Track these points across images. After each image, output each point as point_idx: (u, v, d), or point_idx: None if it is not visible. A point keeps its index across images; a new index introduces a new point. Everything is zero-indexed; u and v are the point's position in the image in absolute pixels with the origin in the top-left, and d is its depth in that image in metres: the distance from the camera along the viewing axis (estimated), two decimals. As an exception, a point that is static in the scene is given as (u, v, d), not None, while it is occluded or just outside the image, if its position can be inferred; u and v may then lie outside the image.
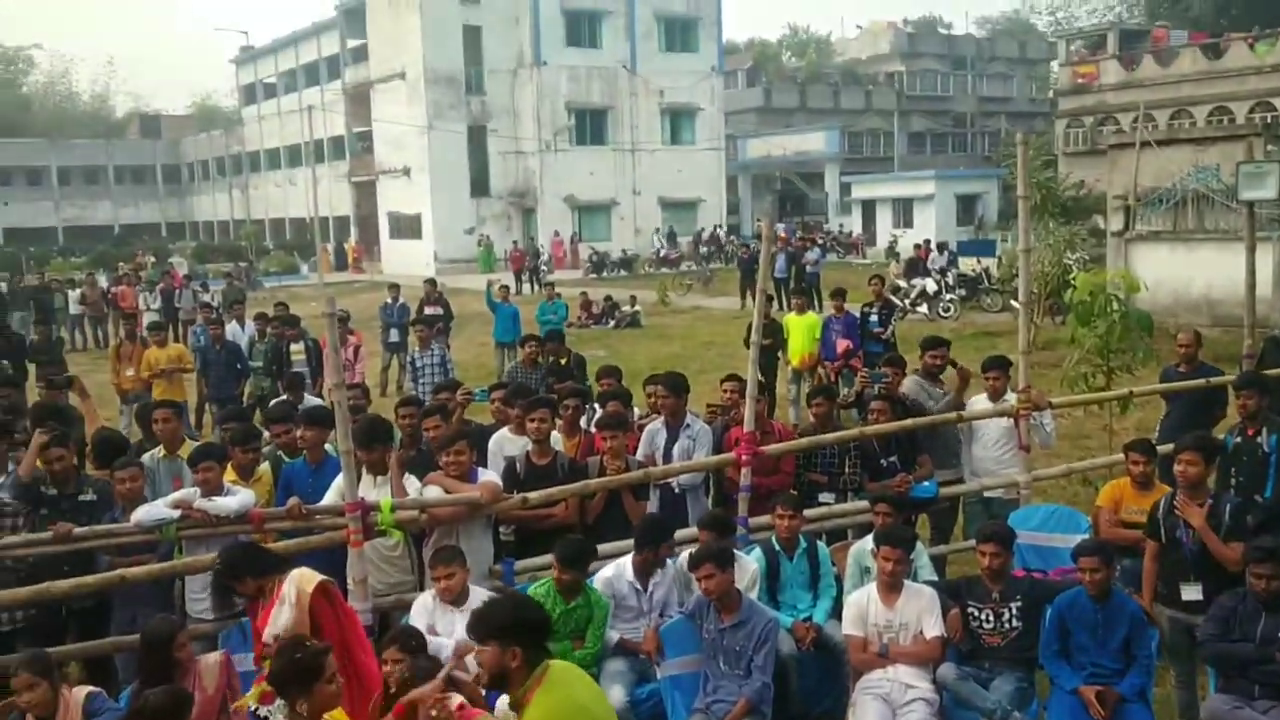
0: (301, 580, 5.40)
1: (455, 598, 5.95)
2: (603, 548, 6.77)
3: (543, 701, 3.74)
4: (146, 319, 18.14)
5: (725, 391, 8.64)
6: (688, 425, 7.86)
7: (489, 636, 3.85)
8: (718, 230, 47.80)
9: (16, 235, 63.40)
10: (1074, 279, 15.59)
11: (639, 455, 7.70)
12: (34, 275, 33.40)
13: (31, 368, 14.81)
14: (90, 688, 5.18)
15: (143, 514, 6.34)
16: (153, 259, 43.28)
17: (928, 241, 33.11)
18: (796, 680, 6.41)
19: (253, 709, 3.64)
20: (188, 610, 6.56)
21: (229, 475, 6.91)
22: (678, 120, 49.66)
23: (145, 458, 7.32)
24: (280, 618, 5.35)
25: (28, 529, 6.48)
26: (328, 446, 7.27)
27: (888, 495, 7.00)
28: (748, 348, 13.39)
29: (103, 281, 28.48)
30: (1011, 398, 8.10)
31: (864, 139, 60.35)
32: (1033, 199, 15.27)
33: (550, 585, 6.17)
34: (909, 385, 8.61)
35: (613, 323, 25.51)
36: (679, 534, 7.26)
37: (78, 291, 26.10)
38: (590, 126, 47.75)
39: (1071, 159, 43.49)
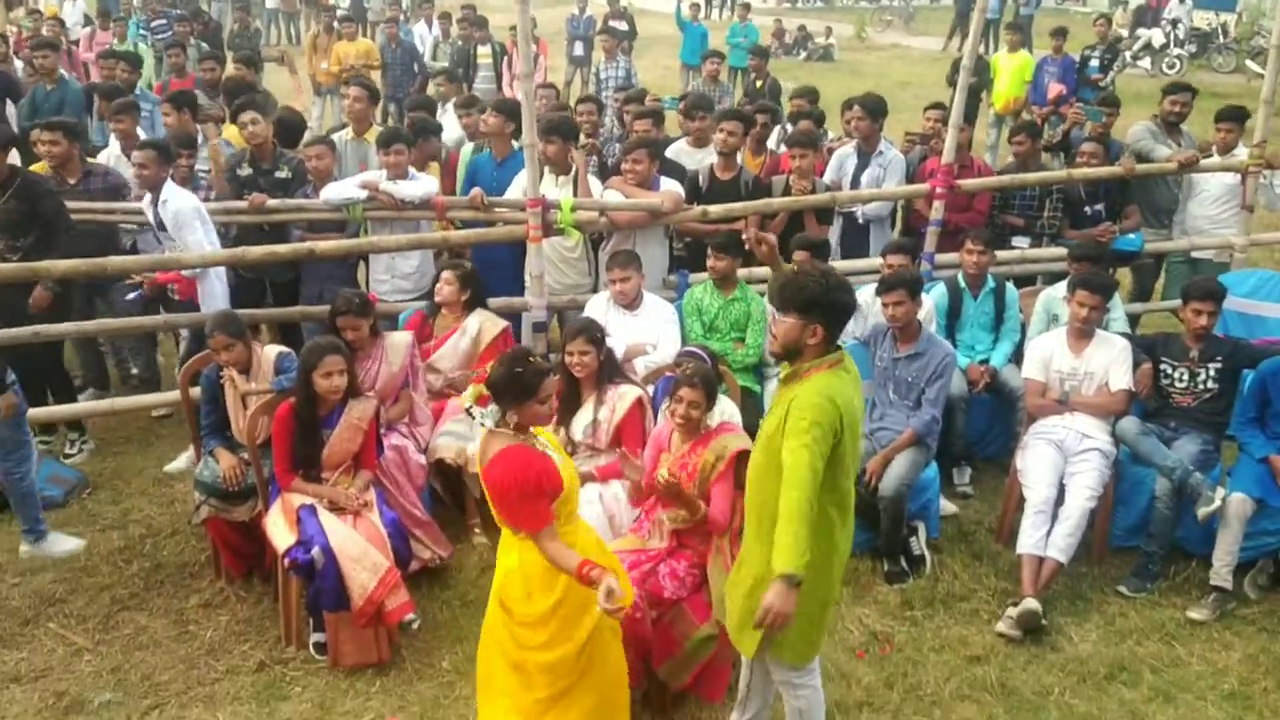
0: (488, 320, 5.89)
1: (629, 302, 6.00)
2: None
3: (818, 383, 3.49)
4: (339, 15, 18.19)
5: (927, 120, 8.16)
6: (880, 152, 7.50)
7: (792, 307, 3.53)
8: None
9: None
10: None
11: (826, 179, 7.43)
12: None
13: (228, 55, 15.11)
14: (281, 347, 5.45)
15: (331, 192, 6.49)
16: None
17: (1161, -12, 30.05)
18: (965, 421, 6.31)
19: (467, 408, 3.64)
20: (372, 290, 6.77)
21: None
22: None
23: (334, 138, 7.38)
24: (460, 345, 5.86)
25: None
26: (515, 144, 7.19)
27: (1088, 248, 6.52)
28: (950, 86, 12.73)
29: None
30: (1242, 152, 7.40)
31: None
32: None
33: (708, 284, 6.17)
34: (1139, 130, 7.82)
35: (804, 54, 24.35)
36: (859, 264, 7.08)
37: (274, -15, 26.21)
38: None
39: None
